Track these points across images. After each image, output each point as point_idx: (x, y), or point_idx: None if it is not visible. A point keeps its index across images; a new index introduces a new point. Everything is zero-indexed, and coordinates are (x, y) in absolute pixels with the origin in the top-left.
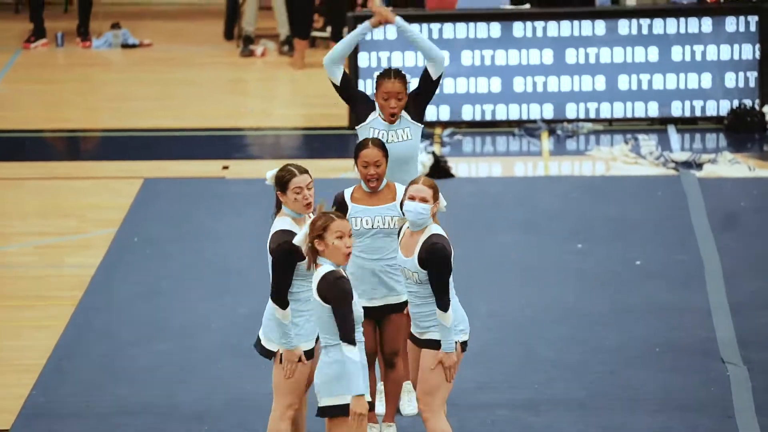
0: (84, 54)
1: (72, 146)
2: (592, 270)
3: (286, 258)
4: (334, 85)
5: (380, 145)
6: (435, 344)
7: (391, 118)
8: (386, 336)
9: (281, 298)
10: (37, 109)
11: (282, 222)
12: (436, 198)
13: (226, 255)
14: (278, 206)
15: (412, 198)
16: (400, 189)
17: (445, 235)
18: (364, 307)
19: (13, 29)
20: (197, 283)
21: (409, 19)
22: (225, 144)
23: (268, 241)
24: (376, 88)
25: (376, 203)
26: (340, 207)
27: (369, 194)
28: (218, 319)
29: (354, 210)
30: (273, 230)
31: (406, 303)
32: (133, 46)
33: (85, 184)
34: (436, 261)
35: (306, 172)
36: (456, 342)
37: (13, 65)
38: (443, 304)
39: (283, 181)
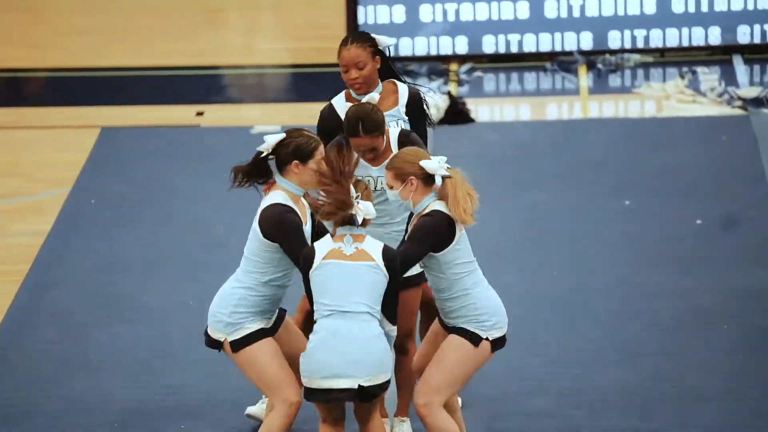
0: None
1: (13, 89)
2: (643, 232)
3: (296, 228)
4: None
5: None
6: (467, 334)
7: (358, 91)
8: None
9: None
10: None
11: (276, 195)
12: (401, 177)
13: (202, 220)
14: (264, 176)
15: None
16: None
17: (446, 212)
18: None
19: None
20: (167, 254)
21: None
22: (199, 85)
23: (258, 218)
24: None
25: (376, 162)
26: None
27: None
28: (194, 298)
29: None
30: (266, 203)
31: (421, 276)
32: None
33: (31, 134)
34: (414, 233)
35: None
36: (486, 339)
37: None
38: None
39: (308, 149)
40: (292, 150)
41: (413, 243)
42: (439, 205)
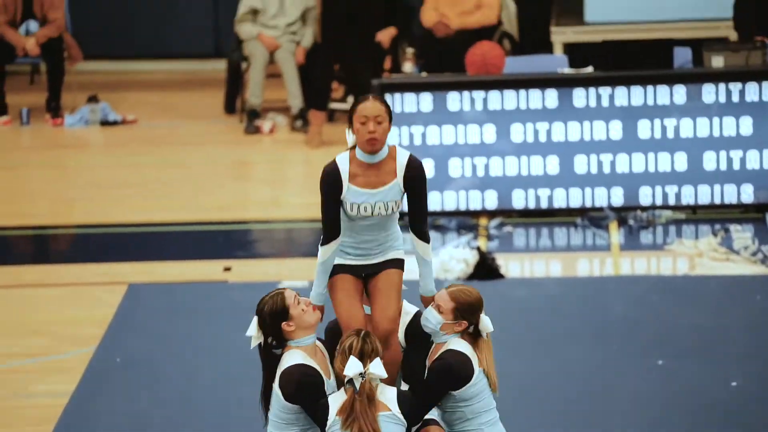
0: (55, 133)
1: (41, 246)
2: (677, 392)
3: (316, 388)
4: None
5: (383, 99)
6: None
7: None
8: (378, 304)
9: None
10: None
11: (293, 356)
12: (460, 317)
13: (230, 379)
14: (278, 340)
15: (434, 303)
16: (401, 156)
17: (466, 354)
18: (355, 265)
19: None
20: (193, 413)
21: (448, 86)
22: (226, 240)
23: (278, 382)
24: (350, 117)
25: (376, 184)
26: (335, 182)
27: (367, 167)
28: None
29: (351, 194)
30: (284, 366)
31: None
32: (114, 123)
33: (58, 292)
34: (431, 376)
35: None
36: None
37: None
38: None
39: (280, 306)
40: (270, 319)
41: (430, 391)
42: (459, 344)
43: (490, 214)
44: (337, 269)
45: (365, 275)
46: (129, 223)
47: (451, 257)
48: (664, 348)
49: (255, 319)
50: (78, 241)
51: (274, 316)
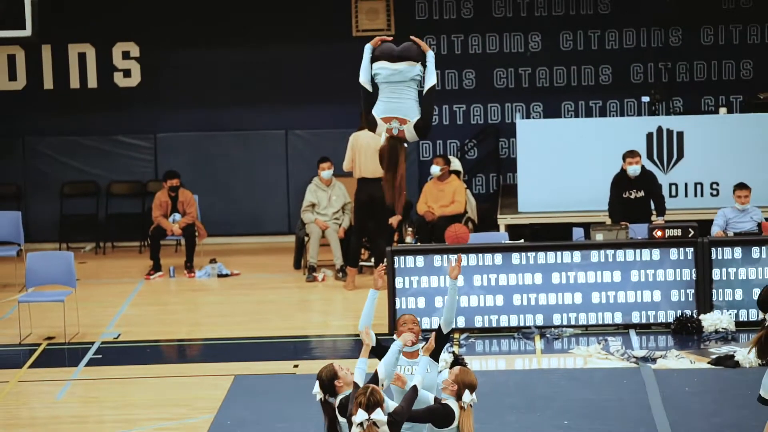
0: (190, 282)
1: (180, 352)
2: None
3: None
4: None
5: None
6: None
7: (413, 341)
8: None
9: None
10: (155, 325)
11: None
12: (455, 384)
13: None
14: (332, 394)
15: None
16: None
17: (453, 409)
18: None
19: (137, 265)
20: None
21: (432, 252)
22: (295, 348)
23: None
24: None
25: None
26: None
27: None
28: None
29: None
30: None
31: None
32: (226, 275)
33: (191, 380)
34: (427, 407)
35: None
36: None
37: (137, 292)
38: None
39: (332, 373)
40: (327, 381)
41: (419, 411)
42: (451, 402)
43: (461, 331)
44: None
45: None
46: (235, 337)
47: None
48: (569, 414)
49: (317, 382)
50: (204, 349)
51: (330, 378)
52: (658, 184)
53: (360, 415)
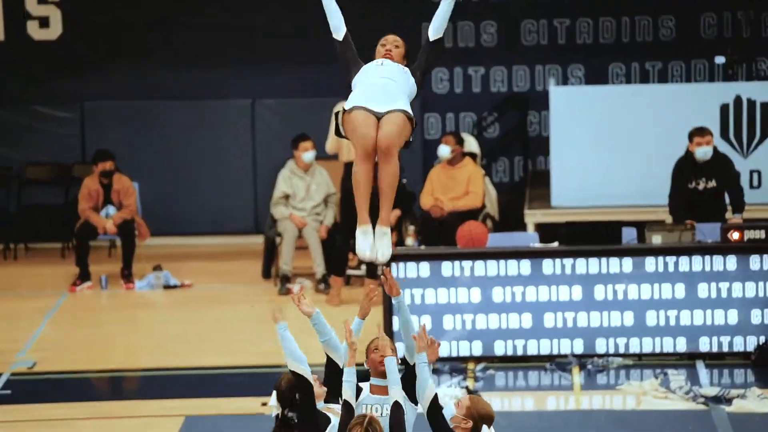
0: (127, 296)
1: (115, 386)
2: None
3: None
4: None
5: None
6: None
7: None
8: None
9: None
10: (82, 350)
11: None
12: (470, 417)
13: None
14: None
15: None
16: None
17: None
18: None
19: (59, 273)
20: None
21: (440, 257)
22: (263, 381)
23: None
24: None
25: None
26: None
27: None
28: None
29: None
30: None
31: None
32: (174, 286)
33: (128, 423)
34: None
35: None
36: None
37: (59, 308)
38: None
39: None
40: (289, 392)
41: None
42: None
43: (477, 360)
44: None
45: None
46: (185, 367)
47: (444, 394)
48: None
49: (274, 393)
50: (145, 382)
51: (290, 387)
52: (735, 172)
53: None
